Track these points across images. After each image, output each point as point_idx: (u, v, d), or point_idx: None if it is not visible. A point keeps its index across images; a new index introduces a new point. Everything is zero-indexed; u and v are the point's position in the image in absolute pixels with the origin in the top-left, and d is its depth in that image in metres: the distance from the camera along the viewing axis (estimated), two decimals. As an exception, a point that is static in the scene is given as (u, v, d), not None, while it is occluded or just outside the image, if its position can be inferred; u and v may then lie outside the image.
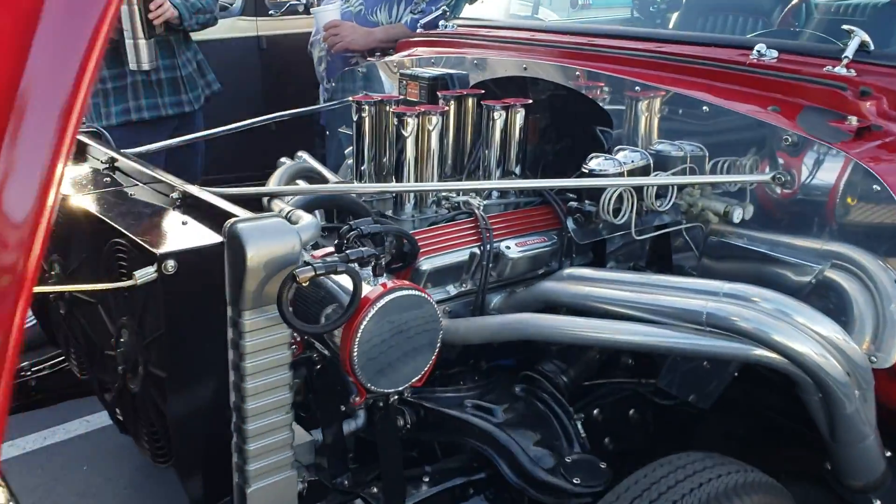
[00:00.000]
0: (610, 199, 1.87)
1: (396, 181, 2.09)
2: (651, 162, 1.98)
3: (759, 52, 2.00)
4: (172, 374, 1.45)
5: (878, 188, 1.62)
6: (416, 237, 1.91)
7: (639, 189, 1.92)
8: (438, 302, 1.92)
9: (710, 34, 2.22)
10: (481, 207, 2.11)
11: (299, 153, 3.14)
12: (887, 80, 1.85)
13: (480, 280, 1.94)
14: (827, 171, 1.73)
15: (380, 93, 3.06)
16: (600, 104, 2.19)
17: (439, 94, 2.38)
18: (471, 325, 1.85)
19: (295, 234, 1.39)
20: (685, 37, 2.17)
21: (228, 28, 4.47)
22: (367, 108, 2.21)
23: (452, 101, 2.36)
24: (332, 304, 1.47)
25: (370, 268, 1.50)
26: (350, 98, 2.25)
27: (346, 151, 2.87)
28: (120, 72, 3.16)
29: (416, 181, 2.06)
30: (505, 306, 2.00)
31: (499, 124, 2.20)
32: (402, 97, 2.70)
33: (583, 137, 2.31)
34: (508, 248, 1.97)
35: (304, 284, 1.33)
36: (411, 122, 2.01)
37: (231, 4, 4.70)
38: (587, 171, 1.95)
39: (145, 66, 3.11)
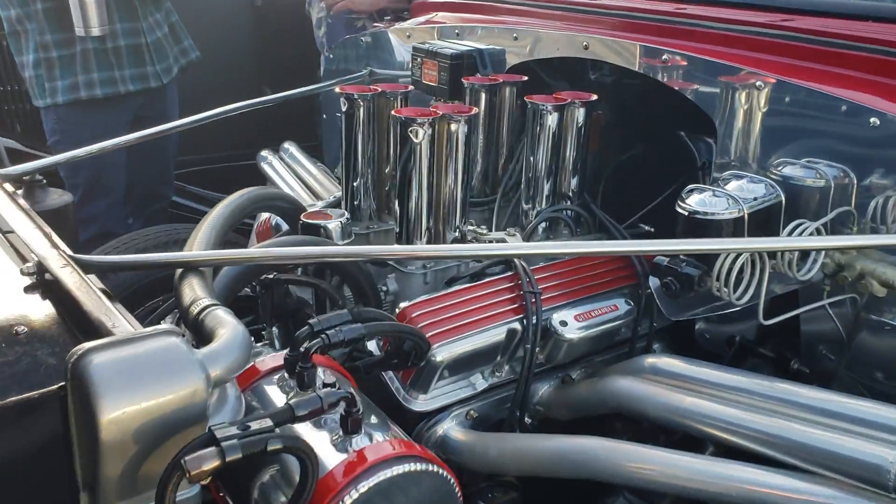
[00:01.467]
0: (730, 266, 1.21)
1: (399, 204, 1.45)
2: (783, 197, 1.32)
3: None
4: None
5: None
6: (426, 308, 1.28)
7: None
8: (462, 402, 1.31)
9: (859, 1, 1.53)
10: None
11: (286, 144, 2.51)
12: None
13: (522, 369, 1.31)
14: None
15: (390, 68, 2.40)
16: (693, 100, 1.52)
17: (465, 81, 1.72)
18: (506, 449, 1.22)
19: (197, 369, 0.76)
20: (829, 6, 1.48)
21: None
22: (360, 102, 1.56)
23: (484, 92, 1.71)
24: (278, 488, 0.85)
25: (337, 417, 0.88)
26: (336, 87, 1.60)
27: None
28: (67, 37, 2.52)
29: (429, 205, 1.42)
30: (556, 403, 1.37)
31: (549, 128, 1.54)
32: (414, 80, 2.05)
33: (665, 145, 1.64)
34: (564, 323, 1.33)
35: (200, 482, 0.72)
36: (422, 133, 1.36)
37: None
38: (686, 211, 1.29)
39: (95, 32, 2.47)
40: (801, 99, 1.36)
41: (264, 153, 2.46)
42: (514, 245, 1.40)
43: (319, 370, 0.96)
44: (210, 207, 1.30)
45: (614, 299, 1.40)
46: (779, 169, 1.39)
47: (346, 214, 1.48)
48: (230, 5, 3.71)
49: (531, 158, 1.57)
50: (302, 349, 0.93)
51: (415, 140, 1.36)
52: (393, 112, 1.38)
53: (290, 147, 2.44)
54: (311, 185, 2.22)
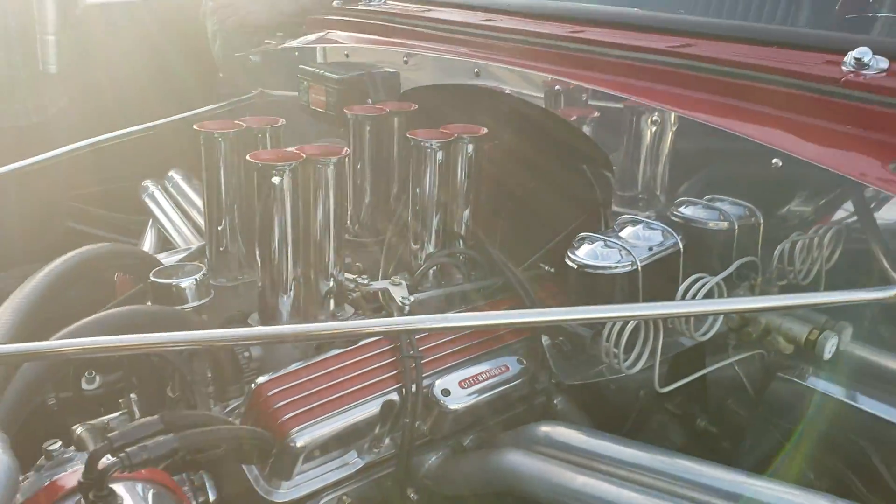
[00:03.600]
0: (619, 332, 1.08)
1: (261, 255, 1.27)
2: (681, 246, 1.20)
3: (857, 59, 1.20)
4: None
5: None
6: (286, 384, 1.12)
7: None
8: (335, 484, 1.15)
9: (770, 26, 1.42)
10: (407, 305, 1.32)
11: (171, 173, 2.30)
12: None
13: (402, 444, 1.16)
14: None
15: (282, 89, 2.23)
16: (589, 134, 1.40)
17: (347, 111, 1.57)
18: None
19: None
20: (734, 30, 1.36)
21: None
22: (219, 141, 1.39)
23: (369, 123, 1.56)
24: None
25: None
26: (198, 121, 1.42)
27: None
28: None
29: (295, 255, 1.25)
30: (444, 477, 1.22)
31: (435, 166, 1.39)
32: (301, 104, 1.89)
33: (566, 180, 1.51)
34: (447, 392, 1.18)
35: None
36: (281, 180, 1.20)
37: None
38: (575, 264, 1.16)
39: None
40: (702, 135, 1.24)
41: (147, 183, 2.25)
42: (397, 320, 1.23)
43: (125, 493, 0.79)
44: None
45: (506, 358, 1.26)
46: (680, 209, 1.28)
47: (203, 269, 1.31)
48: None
49: (417, 197, 1.42)
50: (100, 469, 0.76)
51: (274, 186, 1.19)
52: (248, 157, 1.21)
53: (175, 176, 2.23)
54: (197, 220, 2.02)
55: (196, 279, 1.27)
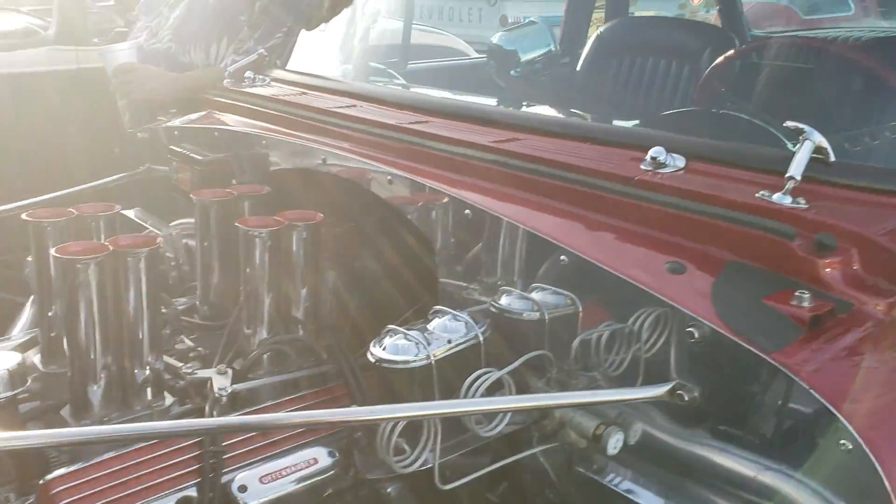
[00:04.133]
0: (388, 433, 1.08)
1: (69, 344, 1.27)
2: (481, 339, 1.22)
3: (653, 158, 1.25)
4: None
5: (848, 445, 0.88)
6: (76, 480, 1.11)
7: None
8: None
9: (591, 123, 1.47)
10: (224, 397, 1.31)
11: (52, 250, 2.30)
12: (860, 215, 1.13)
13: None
14: (760, 392, 1.00)
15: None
16: (415, 223, 1.43)
17: (193, 195, 1.59)
18: None
19: None
20: (558, 125, 1.41)
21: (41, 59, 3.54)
22: (49, 230, 1.40)
23: (214, 207, 1.58)
24: None
25: None
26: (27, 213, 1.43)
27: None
28: None
29: (104, 343, 1.25)
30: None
31: (266, 254, 1.41)
32: (173, 184, 1.92)
33: (404, 266, 1.53)
34: (244, 488, 1.17)
35: None
36: (90, 272, 1.21)
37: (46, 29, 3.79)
38: (373, 358, 1.17)
39: None
40: (505, 229, 1.28)
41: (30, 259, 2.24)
42: (204, 422, 1.23)
43: None
44: None
45: (317, 449, 1.26)
46: (497, 298, 1.30)
47: (19, 357, 1.30)
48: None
49: (250, 286, 1.43)
50: None
51: (78, 278, 1.20)
52: (53, 251, 1.22)
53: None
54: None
55: (8, 370, 1.26)
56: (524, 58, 1.99)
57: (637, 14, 3.53)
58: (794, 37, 2.88)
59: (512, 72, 2.01)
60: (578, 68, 3.03)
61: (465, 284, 1.44)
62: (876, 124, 1.69)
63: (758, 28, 4.49)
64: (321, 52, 2.51)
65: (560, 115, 1.64)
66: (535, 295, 1.30)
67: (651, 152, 1.25)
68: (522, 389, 1.23)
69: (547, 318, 1.26)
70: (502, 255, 1.36)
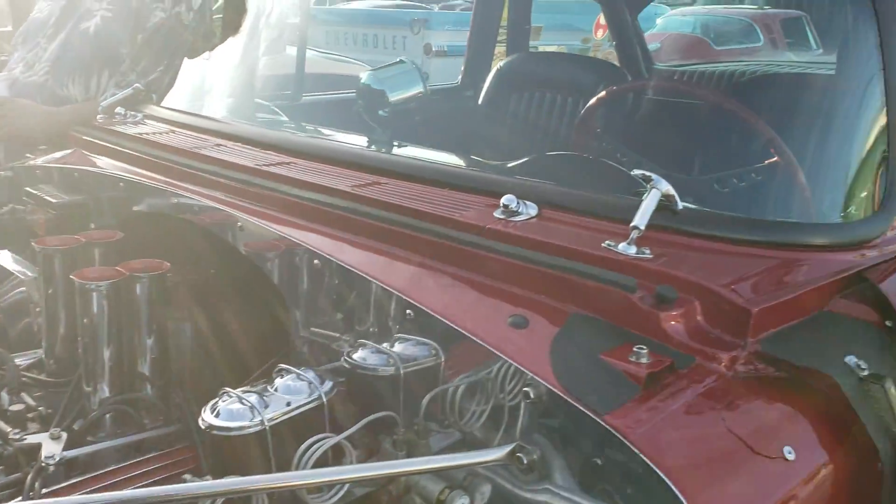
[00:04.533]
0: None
1: None
2: (324, 400, 1.15)
3: (506, 206, 1.22)
4: None
5: (682, 508, 0.85)
6: None
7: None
8: None
9: (448, 168, 1.43)
10: (51, 466, 1.20)
11: None
12: (705, 265, 1.11)
13: None
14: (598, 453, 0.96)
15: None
16: (265, 273, 1.36)
17: (35, 244, 1.49)
18: None
19: None
20: (418, 170, 1.36)
21: None
22: None
23: (59, 255, 1.47)
24: None
25: None
26: None
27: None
28: None
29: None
30: None
31: (106, 307, 1.32)
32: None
33: (259, 317, 1.45)
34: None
35: None
36: None
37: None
38: (203, 422, 1.10)
39: None
40: (357, 280, 1.22)
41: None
42: None
43: None
44: None
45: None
46: (352, 352, 1.24)
47: None
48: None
49: (88, 340, 1.33)
50: None
51: None
52: None
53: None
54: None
55: None
56: (392, 98, 1.96)
57: (540, 49, 3.56)
58: (687, 71, 2.93)
59: (381, 111, 1.97)
60: (480, 101, 3.03)
61: (336, 335, 1.37)
62: (745, 166, 1.71)
63: (666, 60, 4.59)
64: (206, 85, 2.42)
65: (428, 158, 1.59)
66: (396, 346, 1.24)
67: (503, 200, 1.21)
68: (372, 452, 1.17)
69: (402, 372, 1.20)
70: (358, 306, 1.30)
